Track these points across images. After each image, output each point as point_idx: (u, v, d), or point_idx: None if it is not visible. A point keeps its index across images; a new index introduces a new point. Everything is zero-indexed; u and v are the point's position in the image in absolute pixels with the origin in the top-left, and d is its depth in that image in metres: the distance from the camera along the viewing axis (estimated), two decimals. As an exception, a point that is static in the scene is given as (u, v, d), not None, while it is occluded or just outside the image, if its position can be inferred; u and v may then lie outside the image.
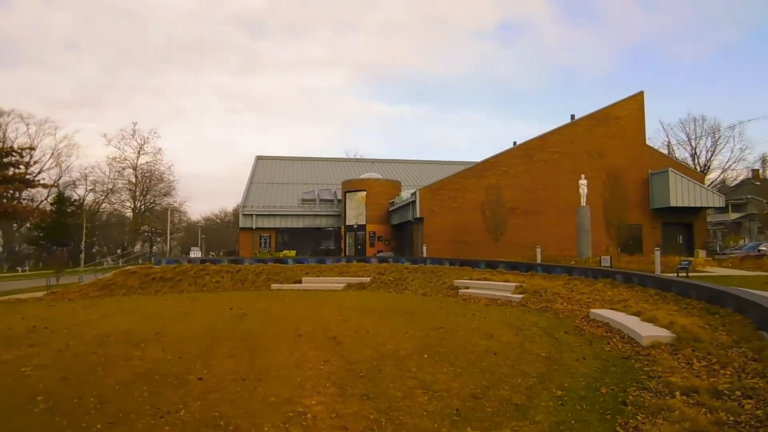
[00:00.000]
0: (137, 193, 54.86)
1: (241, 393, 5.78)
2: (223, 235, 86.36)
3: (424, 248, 24.85)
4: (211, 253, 74.19)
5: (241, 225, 35.30)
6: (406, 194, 31.51)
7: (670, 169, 27.93)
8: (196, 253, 40.22)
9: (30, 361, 7.36)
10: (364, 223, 33.08)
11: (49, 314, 13.24)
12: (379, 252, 31.49)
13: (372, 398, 5.56)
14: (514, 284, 15.17)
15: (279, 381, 6.25)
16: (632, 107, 29.11)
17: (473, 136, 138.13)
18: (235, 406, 5.36)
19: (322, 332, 9.60)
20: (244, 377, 6.40)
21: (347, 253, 33.34)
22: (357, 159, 50.72)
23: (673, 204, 27.39)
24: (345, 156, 71.05)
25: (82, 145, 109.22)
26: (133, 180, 53.88)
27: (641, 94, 29.42)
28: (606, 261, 17.08)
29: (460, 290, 16.73)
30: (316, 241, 37.10)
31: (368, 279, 20.54)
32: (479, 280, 17.19)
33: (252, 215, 34.90)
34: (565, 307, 11.84)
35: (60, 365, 7.16)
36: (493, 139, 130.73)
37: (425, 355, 7.52)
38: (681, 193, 27.56)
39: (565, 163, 27.87)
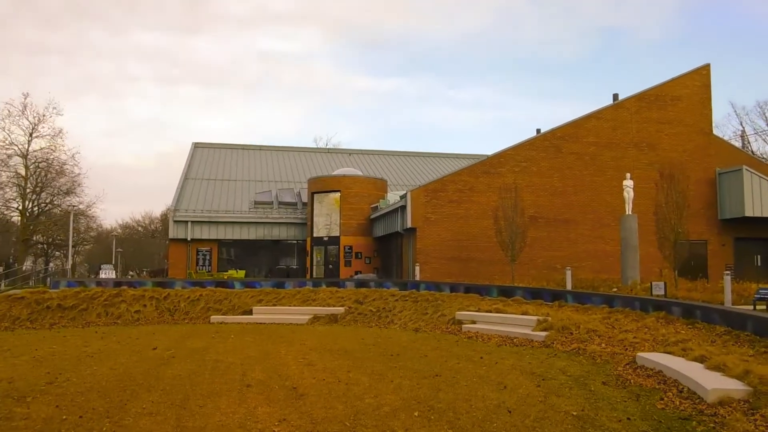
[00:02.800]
0: (28, 191, 53.93)
1: (163, 465, 5.65)
2: (147, 249, 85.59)
3: (417, 269, 24.86)
4: (131, 273, 73.46)
5: (171, 235, 35.02)
6: (393, 197, 31.61)
7: (744, 167, 28.46)
8: (108, 273, 39.72)
9: None
10: (337, 234, 33.05)
11: None
12: (357, 273, 31.47)
13: (343, 472, 5.48)
14: (535, 318, 15.21)
15: (217, 448, 6.12)
16: (695, 85, 29.58)
17: (485, 121, 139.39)
18: (155, 482, 5.22)
19: (279, 381, 9.51)
20: (168, 443, 6.26)
21: (314, 275, 33.26)
22: (330, 149, 50.86)
23: (748, 214, 27.87)
24: (314, 145, 71.31)
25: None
26: (23, 172, 52.98)
27: (707, 68, 29.97)
28: (659, 288, 17.21)
29: (463, 325, 16.76)
30: (273, 258, 36.95)
31: (342, 309, 20.45)
32: (489, 311, 17.21)
33: (186, 222, 34.67)
34: (603, 350, 11.88)
35: None
36: (511, 125, 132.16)
37: (415, 413, 7.46)
38: (759, 200, 28.02)
39: (605, 158, 28.19)
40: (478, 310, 17.65)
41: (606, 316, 15.04)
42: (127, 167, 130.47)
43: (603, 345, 12.33)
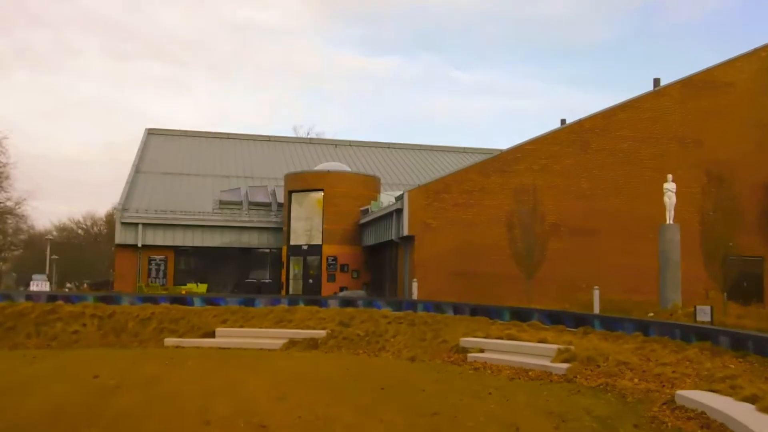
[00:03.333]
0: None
1: None
2: (89, 257, 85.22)
3: (415, 285, 24.93)
4: (69, 285, 73.06)
5: (118, 240, 35.03)
6: (387, 198, 31.72)
7: (811, 170, 28.65)
8: (41, 285, 39.49)
9: None
10: (319, 242, 33.17)
11: None
12: (342, 289, 31.53)
13: None
14: (555, 347, 15.26)
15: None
16: (752, 69, 29.83)
17: (497, 111, 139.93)
18: None
19: (245, 416, 9.52)
20: (110, 491, 6.26)
21: (291, 291, 33.34)
22: (312, 140, 50.98)
23: (814, 226, 28.03)
24: (293, 135, 71.30)
25: None
26: (-67, 162, 52.80)
27: (767, 48, 30.15)
28: (704, 313, 17.29)
29: (469, 354, 16.81)
30: (241, 270, 36.99)
31: (323, 333, 20.44)
32: (501, 338, 17.26)
33: (136, 225, 34.70)
34: (636, 386, 11.93)
35: None
36: (530, 116, 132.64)
37: (410, 458, 7.47)
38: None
39: (642, 156, 28.37)
40: (487, 336, 17.69)
41: (640, 346, 15.08)
42: (67, 158, 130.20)
43: (636, 380, 12.37)
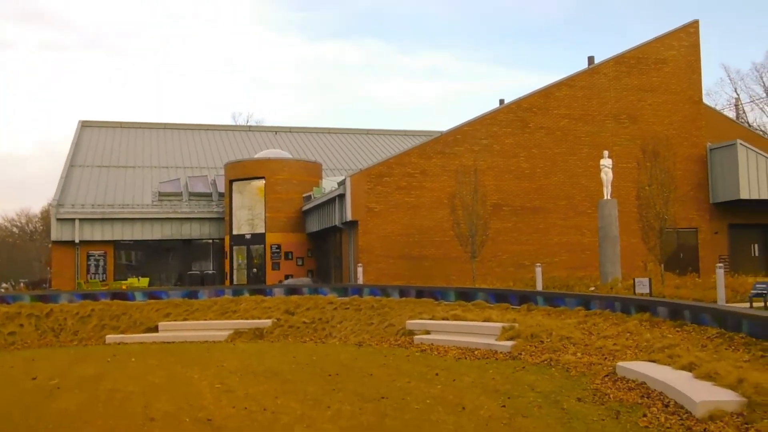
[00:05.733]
0: None
1: None
2: (24, 255, 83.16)
3: (360, 270, 24.97)
4: (4, 285, 71.13)
5: (54, 237, 34.17)
6: (330, 184, 31.63)
7: (739, 141, 29.51)
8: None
9: None
10: (262, 231, 32.93)
11: None
12: (287, 277, 31.42)
13: None
14: (500, 325, 15.48)
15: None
16: (682, 45, 30.55)
17: (440, 94, 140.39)
18: None
19: (190, 412, 9.48)
20: (49, 494, 6.16)
21: (235, 281, 33.09)
22: (251, 127, 50.44)
23: (744, 196, 28.90)
24: (232, 123, 70.45)
25: None
26: None
27: (695, 25, 31.03)
28: (643, 285, 17.75)
29: (415, 336, 16.95)
30: (183, 262, 36.55)
31: (269, 322, 20.43)
32: (446, 319, 17.43)
33: (73, 220, 33.88)
34: (579, 360, 12.20)
35: None
36: (472, 98, 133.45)
37: (358, 444, 7.52)
38: (756, 179, 29.07)
39: (579, 133, 28.85)
40: (433, 318, 17.86)
41: (582, 321, 15.46)
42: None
43: (579, 354, 12.66)
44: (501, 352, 14.08)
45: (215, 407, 9.80)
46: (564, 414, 8.65)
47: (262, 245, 32.80)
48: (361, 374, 12.51)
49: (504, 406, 9.23)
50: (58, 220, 33.79)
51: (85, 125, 45.39)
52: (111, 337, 20.30)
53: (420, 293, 20.98)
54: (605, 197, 22.66)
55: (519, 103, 28.64)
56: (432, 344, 16.04)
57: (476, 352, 14.52)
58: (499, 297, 19.17)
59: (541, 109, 28.57)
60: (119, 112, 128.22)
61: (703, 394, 8.45)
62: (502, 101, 33.29)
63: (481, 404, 9.39)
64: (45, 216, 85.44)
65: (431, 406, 9.39)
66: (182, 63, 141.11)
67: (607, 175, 22.74)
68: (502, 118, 28.32)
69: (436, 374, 12.08)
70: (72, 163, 39.35)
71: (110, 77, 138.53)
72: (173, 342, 19.53)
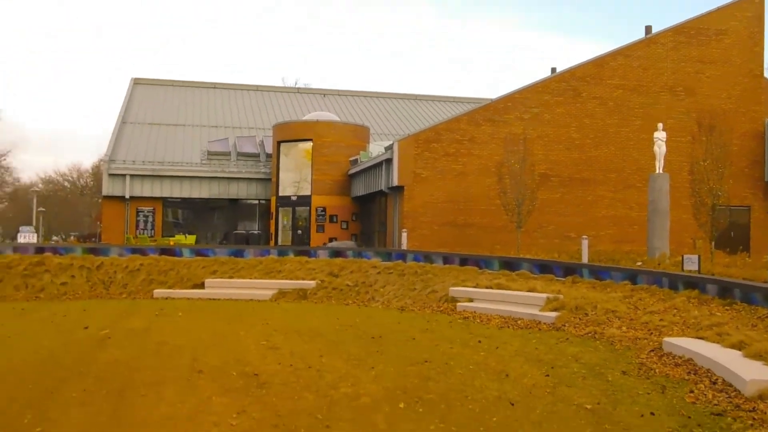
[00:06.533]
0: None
1: (98, 464, 5.75)
2: (75, 209, 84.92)
3: (404, 236, 25.01)
4: (55, 237, 72.88)
5: (105, 192, 34.81)
6: (377, 148, 31.59)
7: (801, 118, 28.71)
8: (28, 237, 39.32)
9: None
10: (308, 193, 33.10)
11: None
12: (331, 240, 31.62)
13: (312, 473, 5.61)
14: (544, 296, 15.43)
15: (162, 445, 6.22)
16: (745, 16, 29.62)
17: (488, 61, 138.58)
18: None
19: (236, 366, 9.63)
20: (104, 438, 6.36)
21: (280, 242, 33.39)
22: (300, 89, 50.43)
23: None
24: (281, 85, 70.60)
25: None
26: None
27: (761, -8, 29.96)
28: (692, 262, 17.44)
29: (458, 303, 17.02)
30: (229, 222, 36.98)
31: (313, 283, 20.65)
32: (490, 287, 17.44)
33: (124, 176, 34.45)
34: (624, 334, 12.10)
35: None
36: (520, 65, 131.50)
37: (401, 404, 7.60)
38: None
39: (632, 105, 28.32)
40: (476, 286, 17.87)
41: (628, 295, 15.29)
42: (50, 107, 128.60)
43: (624, 328, 12.54)
44: (544, 323, 14.04)
45: (261, 363, 9.95)
46: (608, 386, 8.60)
47: (308, 207, 33.00)
48: (403, 338, 12.60)
49: (548, 375, 9.22)
50: (110, 175, 34.38)
51: (137, 82, 45.95)
52: (158, 292, 20.69)
53: (464, 261, 20.97)
54: (657, 171, 22.22)
55: (572, 72, 28.17)
56: (475, 312, 16.07)
57: (519, 322, 14.51)
58: (544, 268, 19.06)
59: (594, 79, 28.07)
60: (171, 71, 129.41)
61: (753, 372, 8.32)
62: (554, 70, 32.75)
63: (525, 372, 9.39)
64: (96, 171, 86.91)
65: (474, 372, 9.42)
66: (234, 25, 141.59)
67: (660, 148, 22.26)
68: (554, 87, 27.91)
69: (479, 341, 12.10)
70: (124, 120, 39.89)
71: (163, 37, 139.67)
72: (219, 299, 19.83)
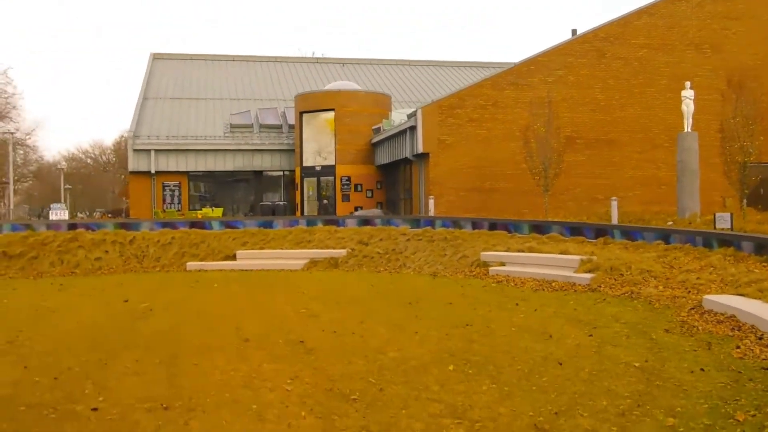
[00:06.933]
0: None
1: (164, 429, 5.83)
2: (98, 185, 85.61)
3: (431, 202, 25.01)
4: (80, 214, 73.59)
5: (131, 168, 35.03)
6: (399, 116, 31.49)
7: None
8: (60, 213, 39.71)
9: None
10: (332, 163, 33.10)
11: None
12: (356, 209, 31.68)
13: (375, 433, 5.68)
14: (578, 257, 15.43)
15: (223, 410, 6.31)
16: (771, -31, 28.99)
17: (508, 25, 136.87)
18: (157, 449, 5.42)
19: (281, 334, 9.74)
20: (165, 405, 6.45)
21: (306, 212, 33.53)
22: (319, 59, 50.19)
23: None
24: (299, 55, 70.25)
25: None
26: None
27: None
28: (724, 220, 17.34)
29: (490, 267, 17.05)
30: (254, 193, 37.12)
31: (343, 252, 20.73)
32: (521, 251, 17.47)
33: (149, 151, 34.64)
34: (661, 293, 12.08)
35: None
36: (541, 28, 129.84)
37: (450, 367, 7.68)
38: None
39: (658, 63, 27.97)
40: (508, 250, 17.89)
41: (662, 255, 15.26)
42: (71, 87, 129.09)
43: (660, 288, 12.53)
44: (579, 285, 14.04)
45: (304, 330, 10.06)
46: (653, 344, 8.61)
47: (332, 177, 33.05)
48: (440, 303, 12.67)
49: (590, 335, 9.25)
50: (135, 151, 34.55)
51: (156, 57, 45.93)
52: (191, 264, 20.86)
53: (493, 225, 20.93)
54: (686, 130, 21.99)
55: (595, 32, 27.83)
56: (508, 276, 16.10)
57: (554, 284, 14.52)
58: (574, 230, 19.01)
59: (618, 39, 27.72)
60: (192, 43, 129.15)
61: (799, 327, 8.34)
62: (574, 31, 32.31)
63: (567, 333, 9.42)
64: (117, 148, 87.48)
65: (517, 334, 9.47)
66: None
67: (688, 107, 22.00)
68: (577, 49, 27.61)
69: (516, 304, 12.14)
70: (145, 96, 39.98)
71: (179, 12, 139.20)
72: (251, 270, 19.95)
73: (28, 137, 59.22)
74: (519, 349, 8.47)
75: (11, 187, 51.87)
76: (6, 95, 53.25)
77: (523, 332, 9.58)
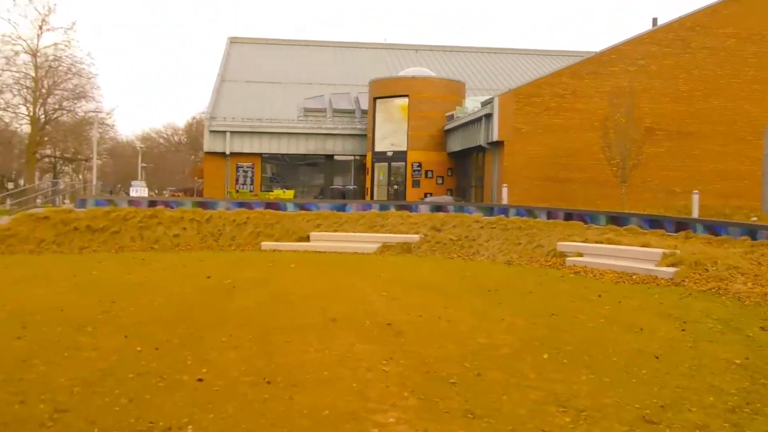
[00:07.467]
0: (40, 94, 55.02)
1: (271, 403, 5.93)
2: (170, 165, 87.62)
3: (505, 190, 24.81)
4: (151, 192, 75.43)
5: (206, 148, 35.69)
6: (472, 103, 31.28)
7: None
8: (140, 191, 40.77)
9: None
10: (404, 149, 33.08)
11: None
12: (426, 195, 31.63)
13: (480, 417, 5.65)
14: (660, 251, 15.11)
15: (324, 387, 6.39)
16: None
17: (586, 13, 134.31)
18: (269, 421, 5.49)
19: (367, 316, 9.79)
20: (267, 379, 6.56)
21: (375, 197, 33.61)
22: (391, 45, 50.11)
23: None
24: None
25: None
26: (32, 73, 54.09)
27: None
28: (812, 217, 16.77)
29: (567, 258, 16.87)
30: (325, 177, 37.39)
31: (416, 237, 20.75)
32: (600, 242, 17.19)
33: (224, 133, 35.21)
34: (751, 290, 11.75)
35: (-26, 354, 7.46)
36: (619, 16, 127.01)
37: (544, 355, 7.62)
38: None
39: (745, 54, 27.13)
40: (585, 241, 17.65)
41: (748, 251, 14.82)
42: (145, 69, 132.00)
43: (749, 284, 12.18)
44: (662, 278, 13.75)
45: (388, 313, 10.09)
46: (751, 342, 8.37)
47: (404, 163, 33.03)
48: (519, 292, 12.57)
49: (683, 330, 9.05)
50: (211, 132, 35.19)
51: (233, 41, 46.62)
52: (266, 244, 21.15)
53: (568, 216, 20.64)
54: (773, 123, 21.31)
55: (681, 21, 27.09)
56: (585, 266, 15.89)
57: (634, 277, 14.25)
58: (654, 223, 18.61)
59: (704, 28, 26.95)
60: (268, 28, 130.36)
61: None
62: (655, 21, 31.54)
63: (657, 326, 9.24)
64: (189, 129, 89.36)
65: (605, 326, 9.33)
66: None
67: (777, 99, 21.30)
68: (661, 38, 26.94)
69: (599, 296, 11.96)
70: (223, 78, 40.65)
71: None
72: (324, 252, 20.11)
73: (109, 116, 60.80)
74: (610, 341, 8.34)
75: (95, 164, 53.30)
76: (91, 76, 54.70)
77: (611, 324, 9.43)
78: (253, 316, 9.87)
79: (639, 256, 15.51)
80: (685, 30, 26.89)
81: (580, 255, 16.86)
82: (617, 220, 19.47)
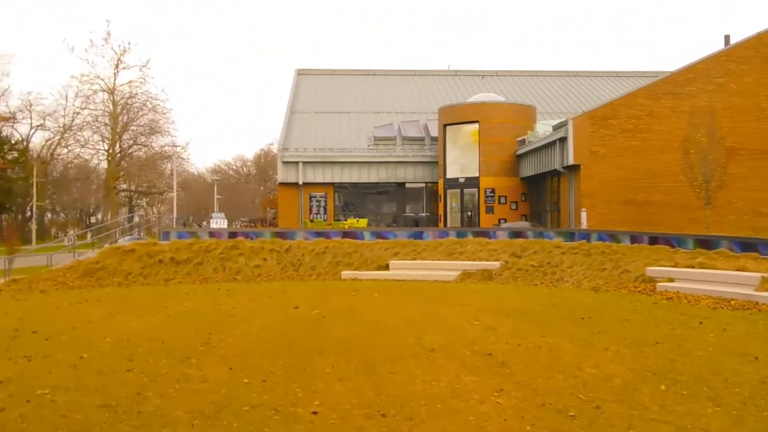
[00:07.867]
0: (117, 130, 56.99)
1: (391, 437, 5.86)
2: (241, 197, 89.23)
3: (584, 215, 24.36)
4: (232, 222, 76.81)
5: (280, 179, 36.14)
6: (543, 127, 30.97)
7: None
8: (220, 222, 41.49)
9: (42, 381, 7.83)
10: (476, 174, 32.87)
11: (24, 313, 14.11)
12: (501, 221, 31.30)
13: (612, 454, 5.46)
14: (758, 275, 14.56)
15: (441, 420, 6.25)
16: None
17: (650, 31, 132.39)
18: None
19: (464, 345, 9.62)
20: (381, 412, 6.46)
21: (448, 224, 33.41)
22: (457, 71, 50.13)
23: None
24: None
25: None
26: (110, 109, 56.11)
27: None
28: None
29: (658, 283, 16.40)
30: (396, 204, 37.40)
31: (497, 264, 20.48)
32: (692, 267, 16.64)
33: (297, 163, 35.62)
34: None
35: (87, 386, 7.55)
36: (691, 36, 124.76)
37: (662, 386, 7.30)
38: None
39: (831, 69, 26.12)
40: (676, 265, 17.11)
41: None
42: (212, 104, 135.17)
43: None
44: (764, 304, 13.19)
45: (486, 342, 9.89)
46: None
47: (476, 189, 32.81)
48: (614, 319, 12.19)
49: (803, 358, 8.62)
50: (284, 162, 35.67)
51: (300, 73, 47.34)
52: (346, 273, 21.18)
53: (653, 240, 20.07)
54: None
55: (760, 37, 26.31)
56: (678, 292, 15.39)
57: (732, 303, 13.72)
58: (746, 246, 17.87)
59: (786, 44, 26.11)
60: (334, 59, 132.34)
61: None
62: (727, 38, 30.77)
63: (773, 355, 8.82)
64: (258, 161, 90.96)
65: (716, 355, 8.92)
66: (392, 15, 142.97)
67: None
68: (739, 55, 26.20)
69: (700, 322, 11.52)
70: (292, 110, 41.25)
71: (329, 28, 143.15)
72: (404, 280, 20.02)
73: (183, 150, 62.46)
74: (727, 371, 7.96)
75: (174, 197, 54.64)
76: (165, 111, 56.35)
77: (722, 353, 9.02)
78: (351, 347, 9.79)
79: (735, 280, 14.97)
80: (765, 46, 26.08)
81: (671, 280, 16.35)
82: (706, 243, 18.81)
